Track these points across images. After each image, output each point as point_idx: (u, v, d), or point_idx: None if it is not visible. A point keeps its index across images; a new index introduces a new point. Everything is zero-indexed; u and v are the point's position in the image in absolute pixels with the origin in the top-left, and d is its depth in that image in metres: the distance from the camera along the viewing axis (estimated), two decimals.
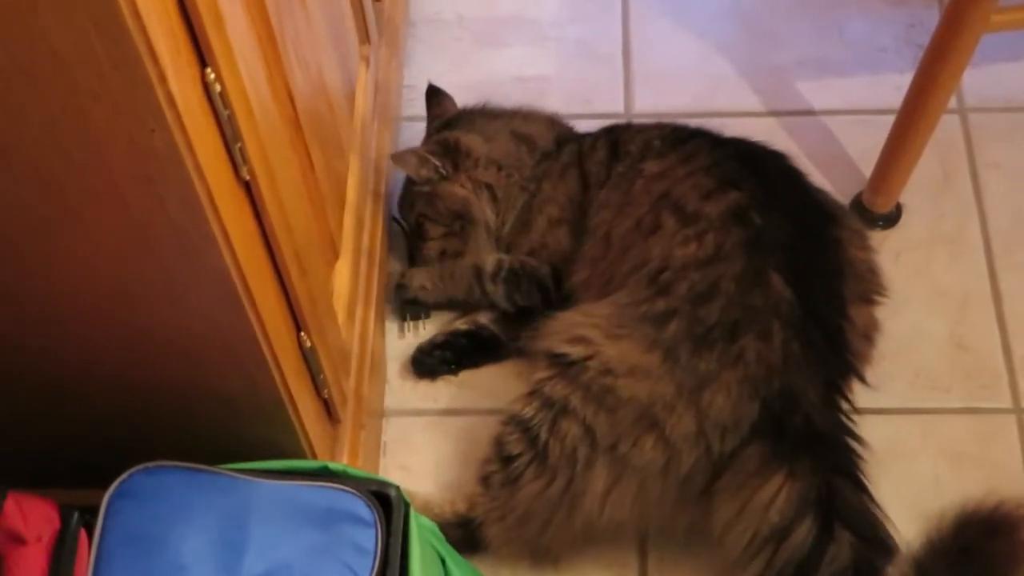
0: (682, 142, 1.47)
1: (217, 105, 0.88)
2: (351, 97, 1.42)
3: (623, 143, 1.52)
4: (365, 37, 1.50)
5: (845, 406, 1.31)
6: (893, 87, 1.63)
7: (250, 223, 0.98)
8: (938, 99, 1.53)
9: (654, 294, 1.32)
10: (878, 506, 1.27)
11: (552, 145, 1.58)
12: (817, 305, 1.31)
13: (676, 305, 1.30)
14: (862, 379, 1.36)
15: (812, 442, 1.25)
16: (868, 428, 1.49)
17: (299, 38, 1.12)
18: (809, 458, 1.24)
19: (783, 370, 1.26)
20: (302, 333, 1.13)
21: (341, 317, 1.30)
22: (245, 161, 0.93)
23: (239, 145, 0.92)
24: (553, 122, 1.64)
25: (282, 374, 1.08)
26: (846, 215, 1.48)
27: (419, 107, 1.78)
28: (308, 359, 1.16)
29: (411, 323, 1.59)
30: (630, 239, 1.40)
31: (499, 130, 1.58)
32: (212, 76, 0.86)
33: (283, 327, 1.08)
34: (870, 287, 1.41)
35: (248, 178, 0.95)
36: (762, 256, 1.31)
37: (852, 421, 1.31)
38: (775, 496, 1.23)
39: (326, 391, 1.22)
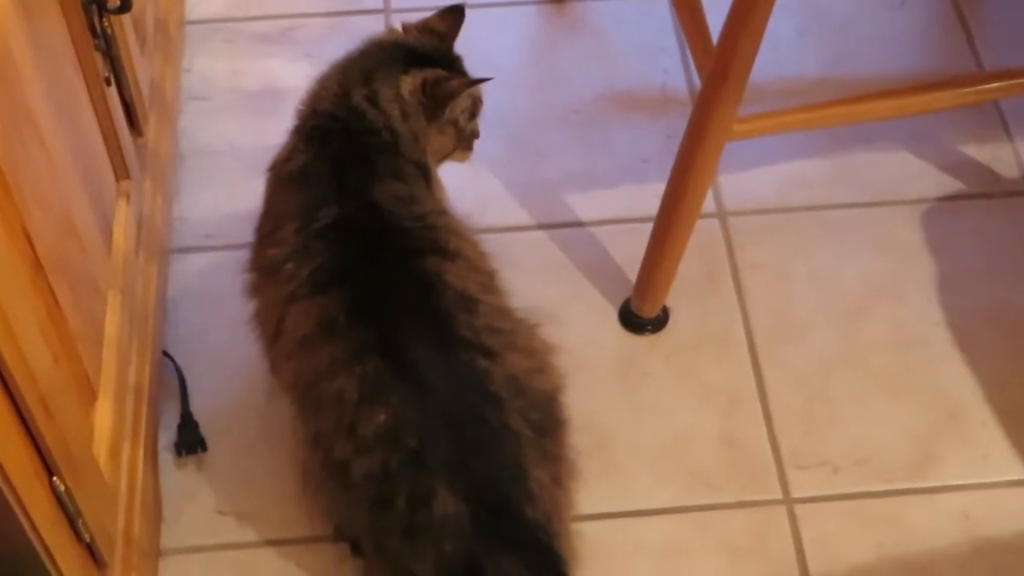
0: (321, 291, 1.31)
1: None
2: (108, 233, 1.40)
3: None
4: (124, 172, 1.49)
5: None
6: (655, 195, 1.68)
7: None
8: (690, 206, 1.59)
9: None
10: None
11: None
12: (494, 516, 1.26)
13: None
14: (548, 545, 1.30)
15: None
16: (646, 529, 1.53)
17: (39, 180, 1.11)
18: None
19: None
20: (55, 478, 1.10)
21: (104, 457, 1.27)
22: None
23: None
24: None
25: (32, 522, 1.05)
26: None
27: (191, 238, 1.78)
28: (64, 503, 1.13)
29: (187, 456, 1.57)
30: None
31: None
32: None
33: (31, 473, 1.05)
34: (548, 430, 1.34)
35: None
36: (428, 477, 1.25)
37: None
38: None
39: (88, 536, 1.19)
